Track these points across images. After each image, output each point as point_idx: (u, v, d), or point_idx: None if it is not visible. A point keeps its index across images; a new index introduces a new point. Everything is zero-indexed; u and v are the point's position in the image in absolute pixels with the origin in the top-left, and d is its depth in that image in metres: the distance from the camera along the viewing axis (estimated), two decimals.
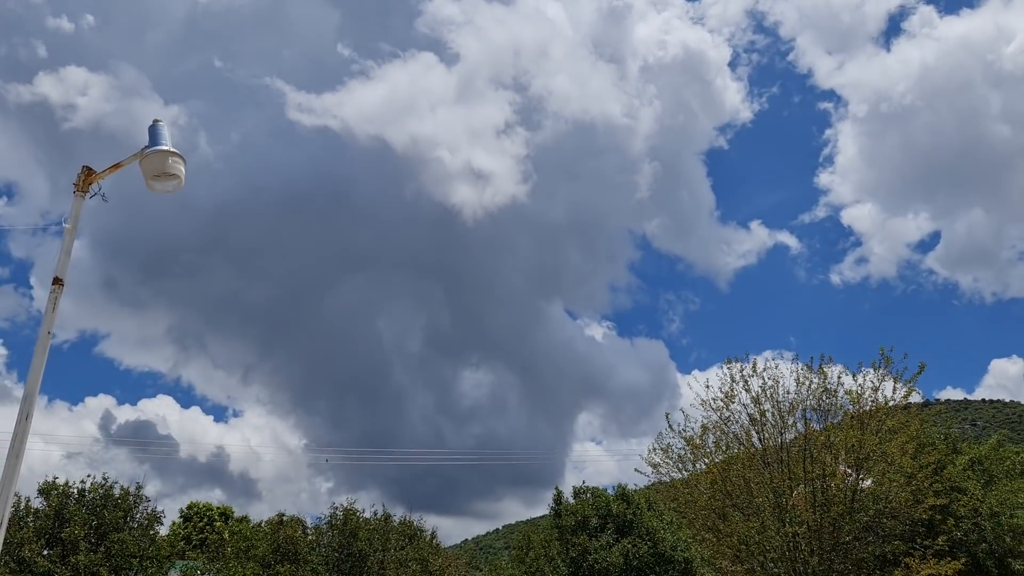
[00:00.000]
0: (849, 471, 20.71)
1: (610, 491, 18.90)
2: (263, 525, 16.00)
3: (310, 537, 15.84)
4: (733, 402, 21.92)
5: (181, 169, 7.45)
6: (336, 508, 16.14)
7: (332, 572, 15.20)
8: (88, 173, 7.57)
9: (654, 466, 22.43)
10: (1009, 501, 20.27)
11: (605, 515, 17.82)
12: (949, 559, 18.54)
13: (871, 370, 21.45)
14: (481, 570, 21.50)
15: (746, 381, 21.87)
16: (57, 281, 7.18)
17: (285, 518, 15.96)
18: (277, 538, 15.03)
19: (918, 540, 19.17)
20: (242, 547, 15.01)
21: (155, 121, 7.55)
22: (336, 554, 15.46)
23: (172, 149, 7.46)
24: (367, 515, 16.39)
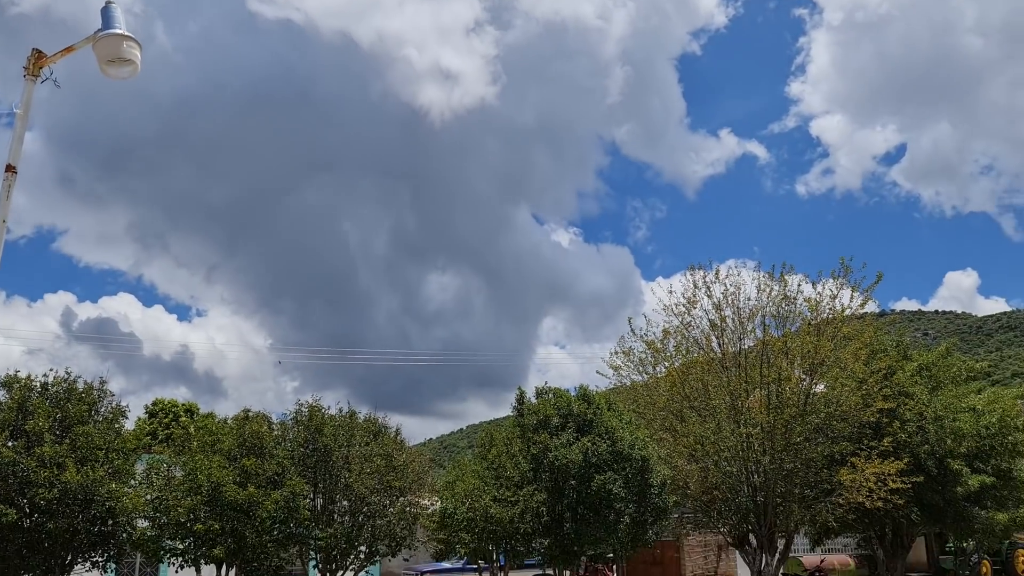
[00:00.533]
0: (803, 376, 21.36)
1: (572, 392, 19.37)
2: (229, 421, 16.18)
3: (276, 432, 16.08)
4: (695, 308, 22.30)
5: (137, 55, 7.18)
6: (301, 405, 16.35)
7: (297, 466, 15.51)
8: (38, 56, 7.27)
9: (615, 369, 22.94)
10: (952, 406, 21.10)
11: (566, 415, 18.26)
12: (893, 459, 19.37)
13: (831, 279, 21.92)
14: (444, 467, 22.10)
15: (708, 288, 22.22)
16: (10, 168, 6.97)
17: (251, 414, 16.14)
18: (243, 432, 15.23)
19: (865, 441, 19.95)
20: (208, 441, 15.20)
21: (108, 3, 7.23)
22: (302, 449, 15.75)
23: (127, 33, 7.18)
24: (332, 412, 16.63)
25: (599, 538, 17.37)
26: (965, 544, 24.51)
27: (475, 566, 19.05)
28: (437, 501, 18.07)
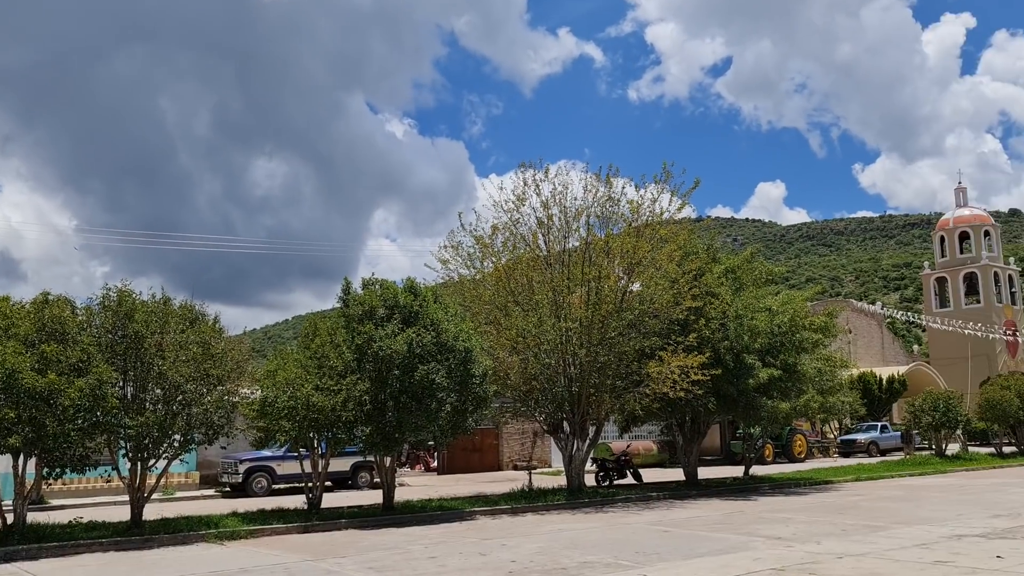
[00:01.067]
0: (622, 275, 22.42)
1: (399, 285, 19.36)
2: (25, 304, 15.00)
3: (80, 318, 15.10)
4: (523, 205, 22.69)
5: None
6: (110, 289, 15.37)
7: (105, 353, 14.71)
8: None
9: (444, 263, 23.12)
10: (751, 306, 22.89)
11: (392, 306, 18.26)
12: (696, 353, 20.89)
13: (653, 183, 22.85)
14: (266, 356, 21.70)
15: (537, 186, 22.61)
16: None
17: (51, 298, 15.03)
18: (42, 317, 14.20)
19: (673, 336, 21.33)
20: (1, 326, 14.09)
21: None
22: (109, 335, 14.91)
23: None
24: (145, 299, 15.77)
25: (420, 426, 17.79)
26: (752, 430, 27.08)
27: (295, 454, 19.07)
28: (257, 390, 17.79)
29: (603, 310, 21.25)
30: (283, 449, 22.13)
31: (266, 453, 23.48)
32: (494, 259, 22.75)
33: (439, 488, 24.82)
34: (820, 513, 17.45)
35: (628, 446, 28.92)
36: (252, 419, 17.48)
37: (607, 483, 24.72)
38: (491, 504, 19.53)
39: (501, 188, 22.91)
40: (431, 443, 20.65)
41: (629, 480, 25.10)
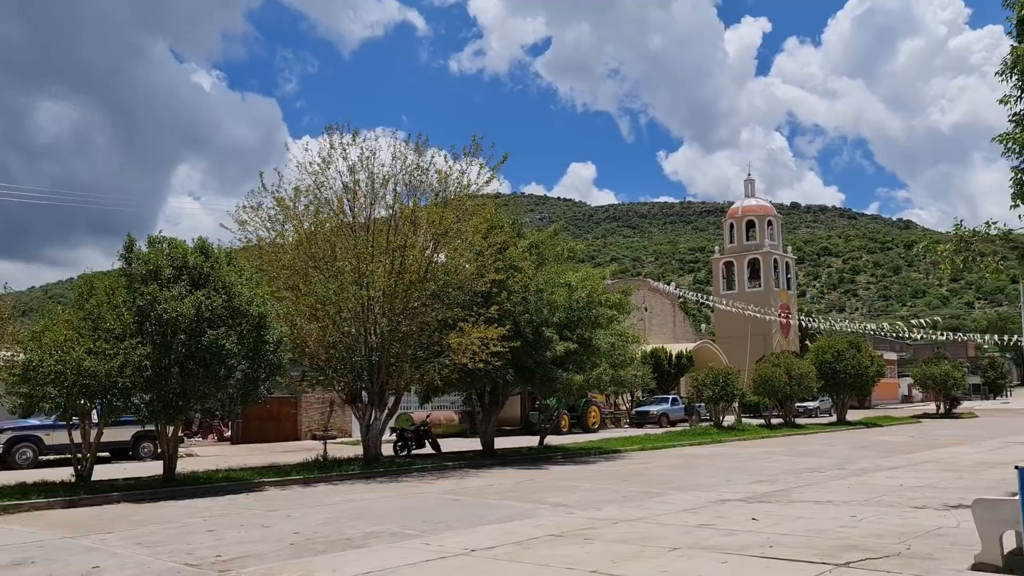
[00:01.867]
0: (427, 245, 22.30)
1: (190, 244, 18.20)
2: None
3: None
4: (329, 168, 22.00)
5: None
6: None
7: None
8: None
9: (242, 224, 21.98)
10: (552, 280, 23.51)
11: (181, 266, 17.14)
12: (496, 326, 21.19)
13: (463, 155, 22.80)
14: (34, 316, 19.81)
15: (345, 149, 21.97)
16: None
17: None
18: None
19: (475, 308, 21.51)
20: None
21: None
22: None
23: None
24: None
25: (207, 394, 16.91)
26: (549, 401, 27.97)
27: (64, 423, 17.55)
28: (21, 353, 16.19)
29: (407, 279, 21.07)
30: (53, 417, 20.34)
31: (33, 422, 21.54)
32: (296, 223, 21.93)
33: (230, 459, 23.81)
34: (605, 481, 18.27)
35: (428, 416, 29.02)
36: (13, 385, 15.89)
37: (405, 453, 24.69)
38: (282, 475, 18.95)
39: (306, 148, 22.11)
40: (219, 412, 19.66)
41: (428, 450, 25.21)
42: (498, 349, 20.96)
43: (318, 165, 21.90)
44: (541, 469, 21.64)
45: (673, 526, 11.40)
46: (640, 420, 43.27)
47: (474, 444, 27.20)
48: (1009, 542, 8.04)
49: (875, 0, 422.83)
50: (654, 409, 43.97)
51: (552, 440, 30.16)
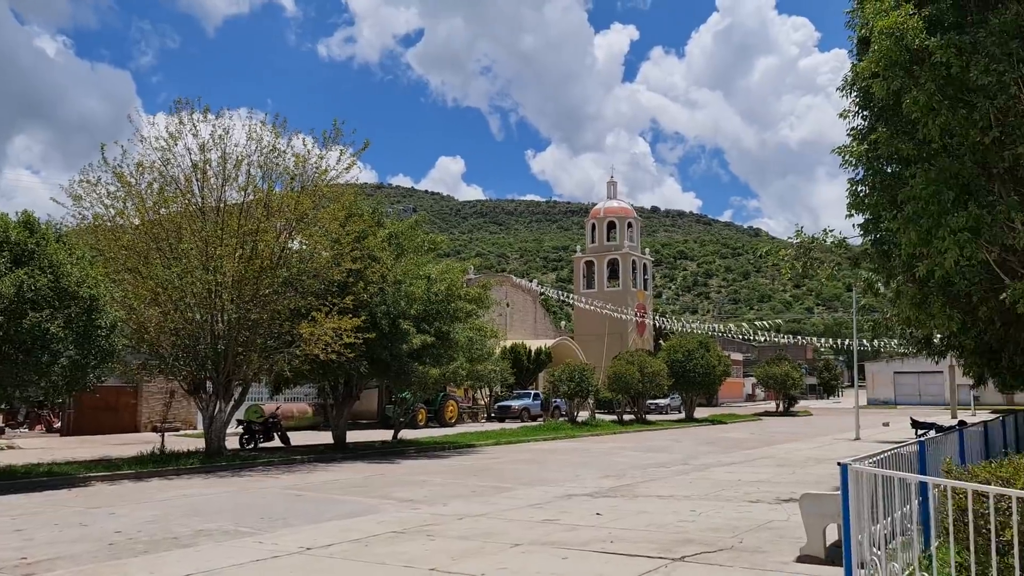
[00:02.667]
0: (281, 230, 21.44)
1: (14, 218, 16.71)
2: None
3: None
4: (177, 144, 20.77)
5: None
6: None
7: None
8: None
9: (76, 199, 20.38)
10: (411, 272, 23.11)
11: (1, 241, 15.74)
12: (351, 316, 20.61)
13: (324, 140, 22.04)
14: None
15: (195, 126, 20.82)
16: None
17: None
18: None
19: (330, 298, 20.86)
20: None
21: None
22: None
23: None
24: None
25: (27, 381, 15.57)
26: (405, 395, 27.56)
27: None
28: None
29: (258, 265, 20.17)
30: None
31: None
32: (138, 201, 20.57)
33: (58, 451, 22.12)
34: (456, 475, 18.10)
35: (278, 408, 27.98)
36: None
37: (252, 446, 23.68)
38: (112, 469, 17.72)
39: (152, 122, 20.80)
40: (43, 400, 18.17)
41: (277, 443, 24.30)
42: (352, 340, 20.39)
43: (165, 140, 20.64)
44: (392, 463, 21.24)
45: (518, 522, 11.33)
46: (502, 414, 43.51)
47: (326, 438, 26.42)
48: (832, 535, 8.38)
49: (735, 17, 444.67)
50: (516, 404, 44.31)
51: (408, 434, 29.77)
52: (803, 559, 8.30)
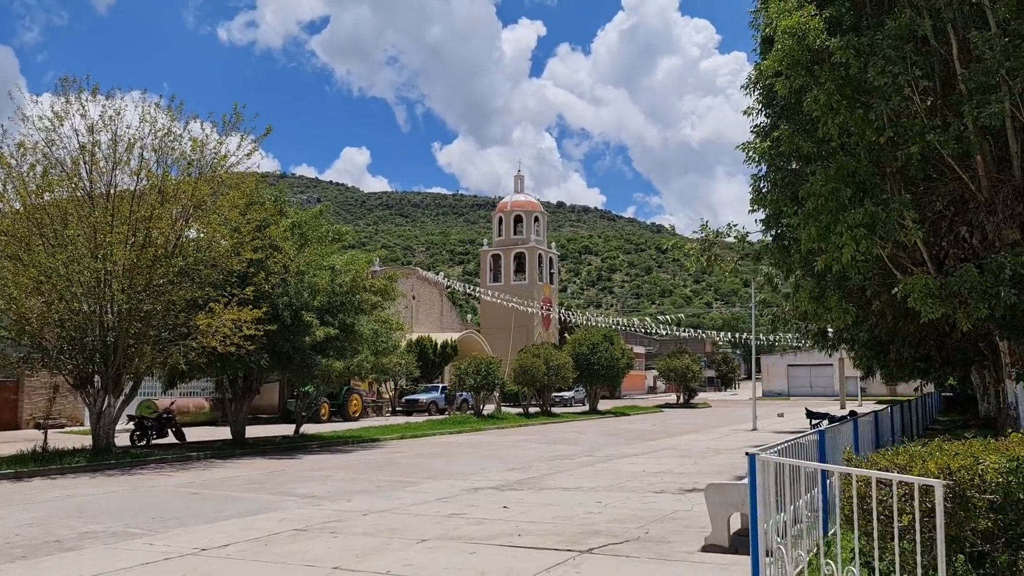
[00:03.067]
0: (177, 217, 20.54)
1: None
2: None
3: None
4: (63, 125, 19.62)
5: None
6: None
7: None
8: None
9: None
10: (315, 263, 22.51)
11: None
12: (252, 307, 19.92)
13: (223, 124, 21.21)
14: None
15: (83, 105, 19.71)
16: None
17: None
18: None
19: (229, 288, 20.10)
20: None
21: None
22: None
23: None
24: None
25: None
26: (308, 388, 26.88)
27: None
28: None
29: (151, 254, 19.26)
30: None
31: None
32: (19, 184, 19.32)
33: None
34: (360, 470, 17.73)
35: (173, 403, 26.93)
36: None
37: (144, 443, 22.64)
38: None
39: (36, 100, 19.58)
40: None
41: (171, 440, 23.31)
42: (253, 332, 19.72)
43: (49, 120, 19.45)
44: (294, 459, 20.68)
45: (424, 516, 11.13)
46: (410, 408, 43.09)
47: (225, 433, 25.53)
48: (736, 523, 8.50)
49: (640, 17, 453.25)
50: (424, 397, 44.00)
51: (310, 429, 29.12)
52: (708, 548, 8.39)
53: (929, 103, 11.33)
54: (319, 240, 23.83)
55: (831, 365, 79.72)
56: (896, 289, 11.82)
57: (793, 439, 7.56)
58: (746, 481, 8.49)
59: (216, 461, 19.90)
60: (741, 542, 8.52)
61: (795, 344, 54.46)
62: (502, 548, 8.83)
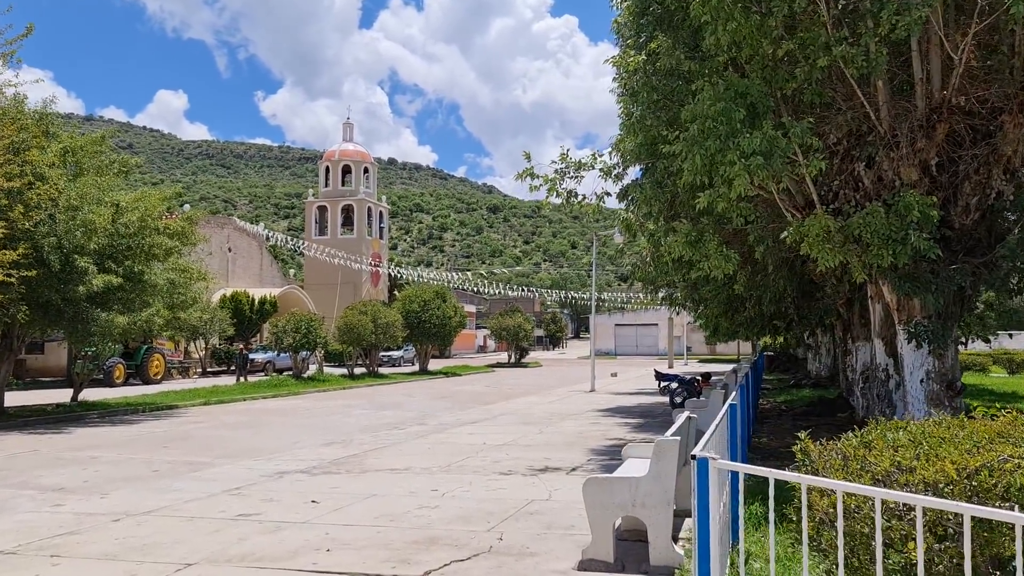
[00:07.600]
0: None
1: None
2: None
3: None
4: None
5: None
6: None
7: None
8: None
9: None
10: (91, 195, 18.50)
11: None
12: (7, 249, 15.99)
13: None
14: None
15: None
16: None
17: None
18: None
19: None
20: None
21: None
22: None
23: None
24: None
25: None
26: (89, 348, 22.71)
27: None
28: None
29: None
30: None
31: None
32: None
33: None
34: (139, 448, 14.47)
35: None
36: None
37: None
38: None
39: None
40: None
41: None
42: (7, 279, 15.82)
43: None
44: (62, 433, 16.98)
45: (201, 520, 8.32)
46: (244, 369, 38.68)
47: None
48: (625, 524, 6.37)
49: None
50: (259, 357, 40.09)
51: (98, 394, 25.07)
52: (587, 565, 6.20)
53: (840, 6, 9.53)
54: (99, 170, 19.76)
55: (656, 325, 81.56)
56: (786, 233, 10.10)
57: (686, 420, 5.47)
58: (635, 475, 6.35)
59: None
60: (628, 552, 6.41)
61: (645, 303, 54.33)
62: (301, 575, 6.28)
